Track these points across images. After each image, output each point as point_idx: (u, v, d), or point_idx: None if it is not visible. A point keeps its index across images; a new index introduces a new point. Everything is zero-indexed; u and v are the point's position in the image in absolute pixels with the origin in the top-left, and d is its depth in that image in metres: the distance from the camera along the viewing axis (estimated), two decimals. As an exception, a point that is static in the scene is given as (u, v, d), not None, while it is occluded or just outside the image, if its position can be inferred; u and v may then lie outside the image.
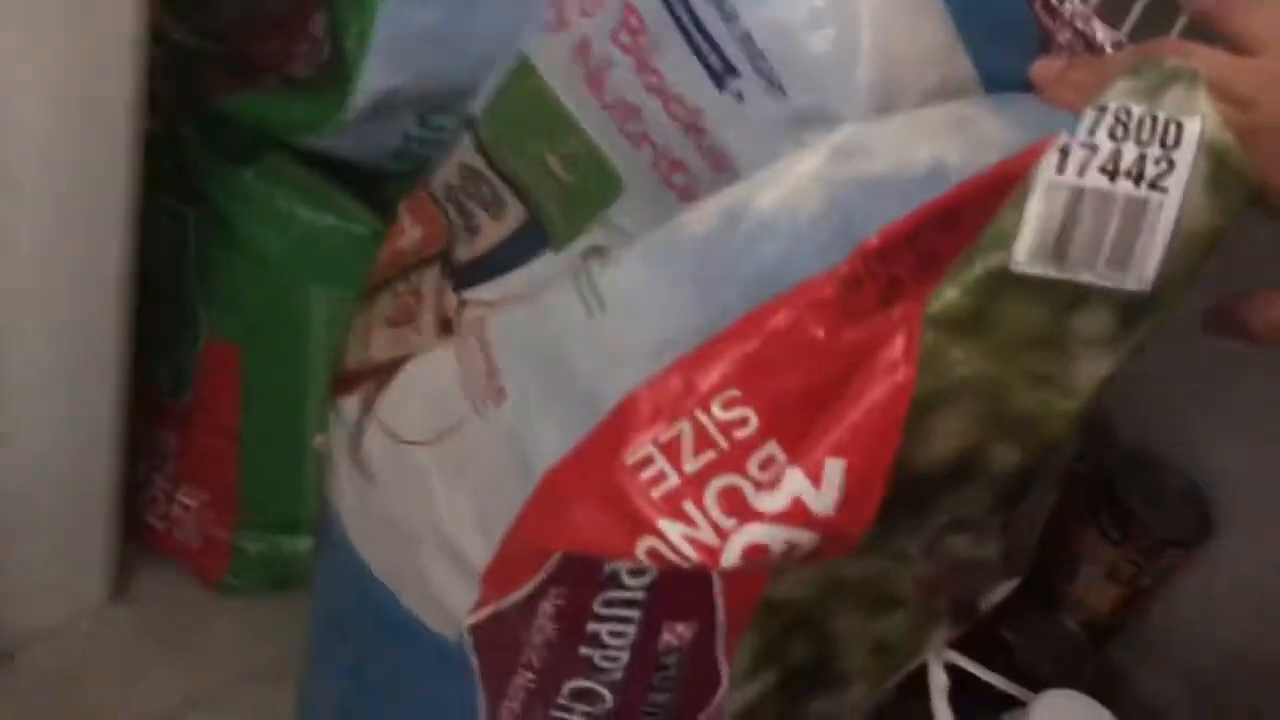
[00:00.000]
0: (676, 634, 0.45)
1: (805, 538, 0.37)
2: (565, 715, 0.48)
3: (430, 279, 0.48)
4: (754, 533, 0.37)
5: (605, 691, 0.46)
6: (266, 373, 0.68)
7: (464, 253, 0.46)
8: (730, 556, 0.37)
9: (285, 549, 0.74)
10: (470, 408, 0.43)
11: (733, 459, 0.37)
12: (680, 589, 0.43)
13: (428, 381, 0.45)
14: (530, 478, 0.40)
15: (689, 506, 0.37)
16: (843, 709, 0.51)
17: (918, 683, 0.54)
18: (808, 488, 0.36)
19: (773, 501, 0.37)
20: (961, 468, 0.39)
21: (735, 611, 0.45)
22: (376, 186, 0.67)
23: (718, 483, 0.37)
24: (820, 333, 0.37)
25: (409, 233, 0.50)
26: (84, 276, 0.60)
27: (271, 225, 0.65)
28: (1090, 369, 0.38)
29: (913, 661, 0.51)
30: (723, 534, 0.36)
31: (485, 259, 0.45)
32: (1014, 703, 0.55)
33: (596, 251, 0.42)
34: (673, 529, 0.37)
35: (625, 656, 0.45)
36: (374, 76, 0.51)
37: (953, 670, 0.53)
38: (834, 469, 0.36)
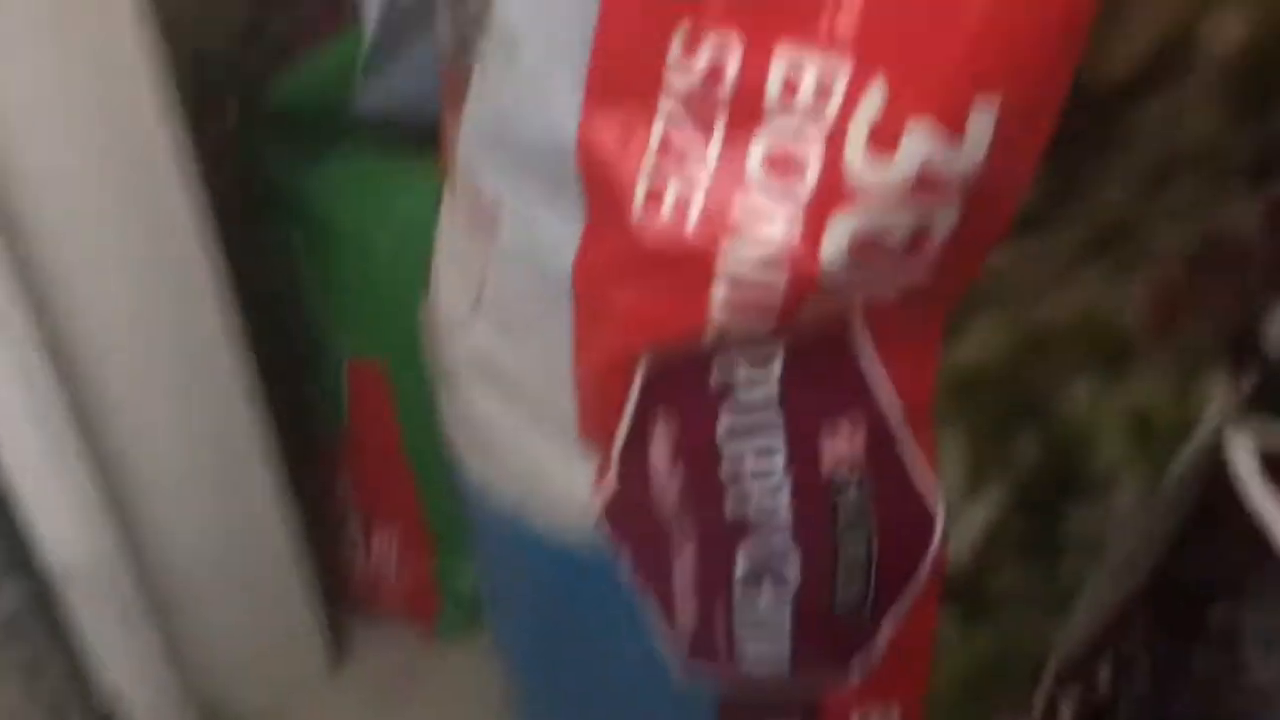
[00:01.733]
0: (841, 445, 0.34)
1: (940, 211, 0.27)
2: (751, 605, 0.38)
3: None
4: (859, 218, 0.26)
5: (785, 555, 0.36)
6: (414, 379, 0.62)
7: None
8: (833, 250, 0.26)
9: (493, 573, 0.68)
10: (484, 248, 0.35)
11: (745, 103, 0.26)
12: (819, 380, 0.33)
13: (450, 244, 0.38)
14: (563, 288, 0.32)
15: (740, 208, 0.27)
16: (1112, 520, 0.38)
17: (1214, 470, 0.40)
18: (940, 149, 0.26)
19: (883, 173, 0.26)
20: (1162, 64, 0.27)
21: (910, 395, 0.34)
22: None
23: (756, 151, 0.26)
24: None
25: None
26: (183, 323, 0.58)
27: (371, 217, 0.61)
28: None
29: (1188, 438, 0.38)
30: (806, 219, 0.26)
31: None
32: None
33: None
34: (737, 251, 0.27)
35: (785, 495, 0.34)
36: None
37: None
38: (983, 117, 0.25)
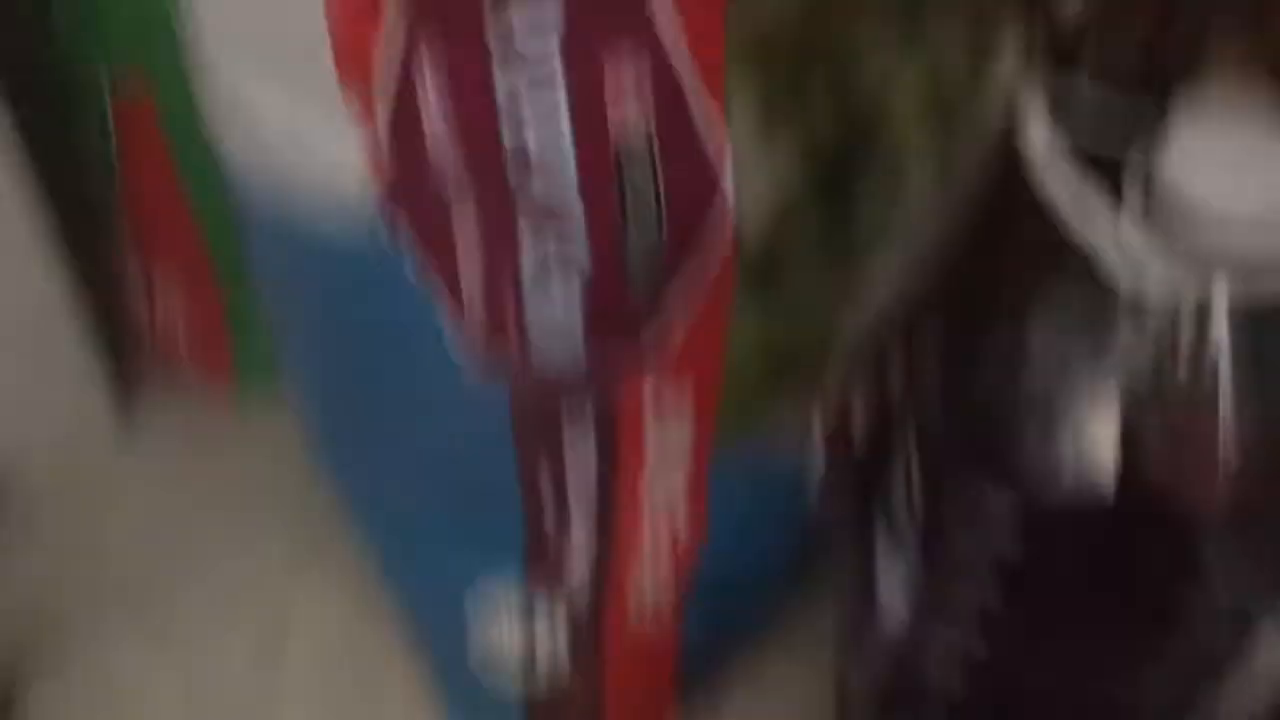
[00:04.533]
0: (628, 101, 0.31)
1: None
2: (541, 288, 0.36)
3: None
4: None
5: (571, 227, 0.34)
6: (186, 107, 0.56)
7: None
8: None
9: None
10: None
11: None
12: (602, 20, 0.30)
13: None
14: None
15: None
16: (903, 198, 0.37)
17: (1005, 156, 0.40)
18: None
19: None
20: None
21: (699, 44, 0.31)
22: None
23: None
24: None
25: None
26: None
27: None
28: None
29: (983, 113, 0.37)
30: None
31: None
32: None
33: None
34: None
35: (569, 155, 0.32)
36: None
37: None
38: None
